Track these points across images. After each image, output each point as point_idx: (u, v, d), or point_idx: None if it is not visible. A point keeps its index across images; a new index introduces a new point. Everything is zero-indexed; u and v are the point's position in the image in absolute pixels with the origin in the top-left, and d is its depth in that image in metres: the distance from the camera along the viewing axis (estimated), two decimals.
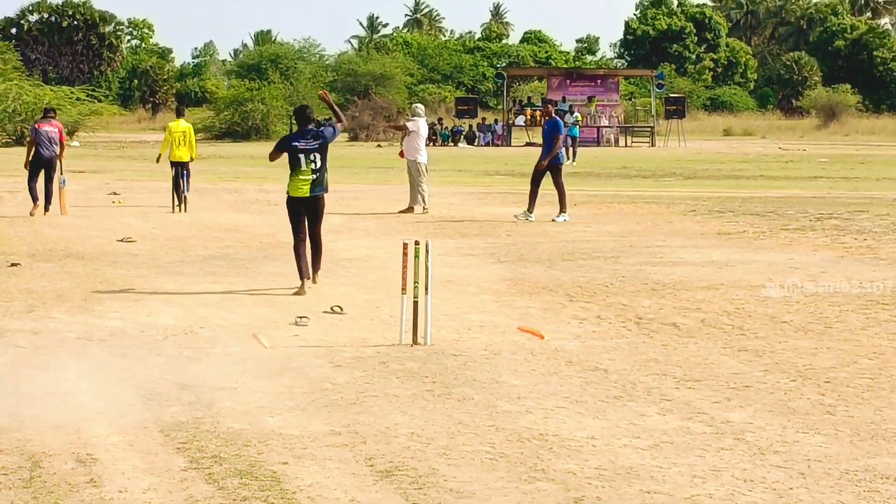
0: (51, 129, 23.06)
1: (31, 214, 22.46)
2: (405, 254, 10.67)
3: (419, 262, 10.61)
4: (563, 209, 22.47)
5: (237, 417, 8.23)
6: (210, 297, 13.32)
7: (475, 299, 13.41)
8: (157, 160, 25.68)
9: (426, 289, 10.65)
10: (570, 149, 44.92)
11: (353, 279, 14.84)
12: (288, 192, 14.09)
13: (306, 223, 14.06)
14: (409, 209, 23.61)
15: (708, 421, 8.28)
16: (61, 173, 23.13)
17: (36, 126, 23.49)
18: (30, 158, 22.99)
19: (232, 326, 11.61)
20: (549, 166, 22.39)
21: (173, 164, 24.18)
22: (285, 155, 14.00)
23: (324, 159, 13.92)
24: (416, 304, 10.71)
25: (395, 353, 10.41)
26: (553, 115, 23.82)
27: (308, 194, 13.90)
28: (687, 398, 8.92)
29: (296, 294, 13.56)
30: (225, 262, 16.27)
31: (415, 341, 10.67)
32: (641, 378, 9.55)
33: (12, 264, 15.69)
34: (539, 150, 23.69)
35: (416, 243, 10.64)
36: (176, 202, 23.92)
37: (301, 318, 11.84)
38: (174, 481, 6.90)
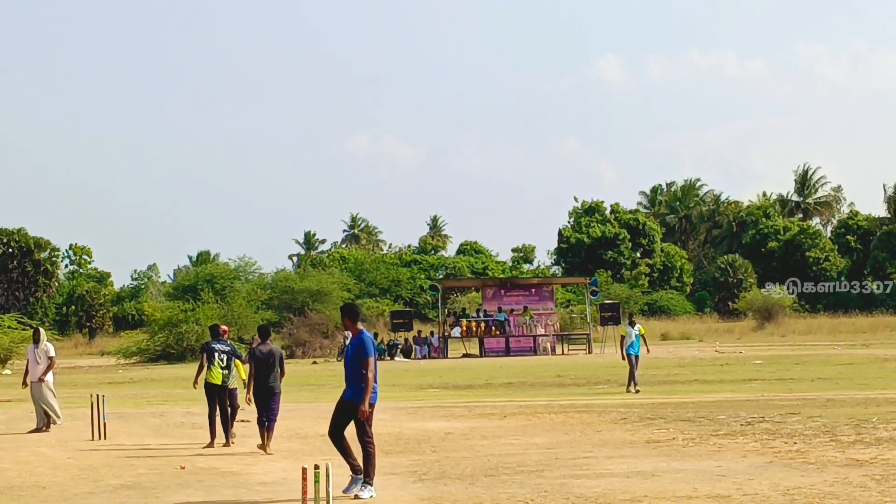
0: None
1: None
2: (304, 479, 10.24)
3: (319, 486, 10.17)
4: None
5: None
6: None
7: None
8: None
9: None
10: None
11: None
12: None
13: None
14: None
15: None
16: None
17: None
18: None
19: None
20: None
21: None
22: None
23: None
24: None
25: None
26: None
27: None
28: None
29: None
30: (135, 492, 15.68)
31: None
32: None
33: None
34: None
35: (316, 467, 10.21)
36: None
37: None
38: None
